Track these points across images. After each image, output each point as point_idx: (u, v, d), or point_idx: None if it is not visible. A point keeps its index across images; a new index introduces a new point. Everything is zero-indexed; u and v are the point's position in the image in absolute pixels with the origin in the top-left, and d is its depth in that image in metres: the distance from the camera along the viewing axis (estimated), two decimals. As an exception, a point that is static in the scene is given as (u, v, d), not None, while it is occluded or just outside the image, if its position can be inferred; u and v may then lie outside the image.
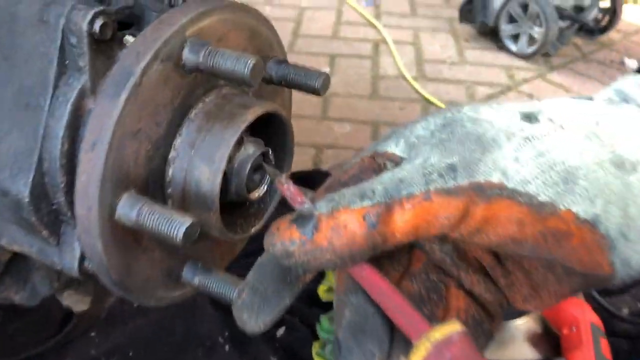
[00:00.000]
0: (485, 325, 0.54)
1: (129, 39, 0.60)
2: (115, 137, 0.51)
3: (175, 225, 0.52)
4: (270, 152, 0.64)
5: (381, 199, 0.45)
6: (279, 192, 0.68)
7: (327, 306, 1.45)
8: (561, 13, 3.05)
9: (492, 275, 0.53)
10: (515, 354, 1.16)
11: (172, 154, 0.58)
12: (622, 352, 1.19)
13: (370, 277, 0.47)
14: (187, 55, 0.55)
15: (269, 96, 0.72)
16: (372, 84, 2.79)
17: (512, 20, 3.18)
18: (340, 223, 0.44)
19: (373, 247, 0.45)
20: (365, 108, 2.57)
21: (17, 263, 0.72)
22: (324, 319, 1.33)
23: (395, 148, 0.51)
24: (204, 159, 0.58)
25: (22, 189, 0.59)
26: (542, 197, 0.45)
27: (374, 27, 3.35)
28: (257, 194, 0.65)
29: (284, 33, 3.20)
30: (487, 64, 3.08)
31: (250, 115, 0.59)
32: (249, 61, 0.54)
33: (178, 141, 0.58)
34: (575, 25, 3.21)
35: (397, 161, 0.50)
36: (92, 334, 1.33)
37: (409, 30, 3.38)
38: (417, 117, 0.55)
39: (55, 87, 0.58)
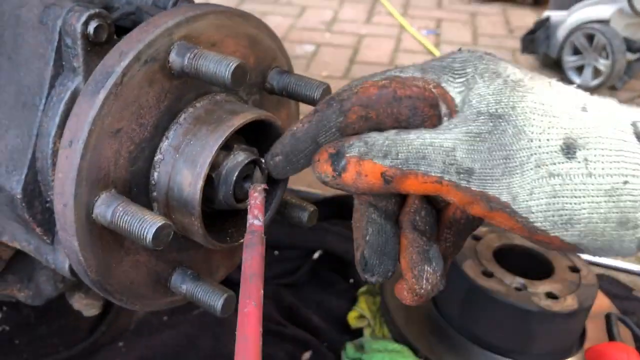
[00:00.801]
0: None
1: (124, 42, 0.61)
2: (92, 135, 0.52)
3: (146, 226, 0.51)
4: (262, 161, 0.63)
5: (401, 165, 0.52)
6: (274, 202, 0.67)
7: (355, 333, 1.42)
8: (629, 45, 2.93)
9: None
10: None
11: (157, 156, 0.58)
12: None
13: (250, 315, 0.49)
14: (174, 58, 0.56)
15: (273, 107, 0.71)
16: (426, 111, 2.76)
17: (576, 51, 3.09)
18: (363, 171, 0.53)
19: (386, 192, 0.55)
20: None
21: (21, 261, 0.73)
22: (349, 347, 1.31)
23: (452, 89, 0.54)
24: (187, 163, 0.57)
25: (15, 186, 0.61)
26: (538, 225, 0.50)
27: (433, 55, 3.33)
28: (246, 203, 0.64)
29: (341, 59, 3.22)
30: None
31: (237, 121, 0.58)
32: (231, 63, 0.53)
33: (164, 144, 0.58)
34: (645, 58, 3.08)
35: (451, 108, 0.53)
36: (120, 343, 1.34)
37: (468, 59, 3.35)
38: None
39: (51, 87, 0.59)
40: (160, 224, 0.51)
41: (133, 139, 0.56)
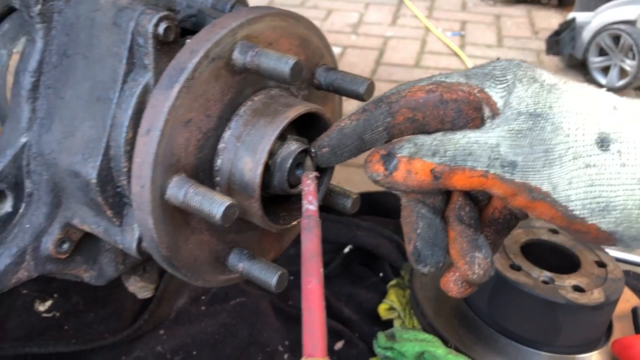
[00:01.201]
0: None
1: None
2: (167, 124, 0.58)
3: (216, 205, 0.57)
4: (312, 150, 0.68)
5: (449, 162, 0.57)
6: (321, 189, 0.73)
7: (386, 325, 1.47)
8: (656, 46, 2.94)
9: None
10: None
11: (220, 145, 0.64)
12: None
13: (313, 291, 0.54)
14: (237, 56, 0.62)
15: (319, 101, 0.77)
16: (451, 112, 2.80)
17: (602, 52, 3.10)
18: (413, 170, 0.58)
19: (435, 189, 0.60)
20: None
21: (88, 243, 0.80)
22: (380, 336, 1.35)
23: (494, 93, 0.59)
24: (248, 150, 0.63)
25: (91, 172, 0.67)
26: (577, 212, 0.54)
27: (458, 57, 3.36)
28: (299, 188, 0.69)
29: (367, 61, 3.27)
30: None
31: (292, 113, 0.64)
32: (290, 60, 0.59)
33: (227, 134, 0.64)
34: (672, 58, 3.08)
35: (494, 111, 0.58)
36: (161, 331, 1.41)
37: (493, 61, 3.37)
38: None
39: (124, 82, 0.66)
40: (228, 203, 0.57)
41: (201, 128, 0.62)
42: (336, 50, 3.36)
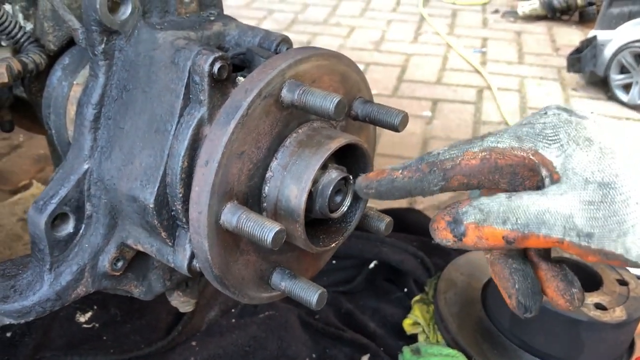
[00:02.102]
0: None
1: (240, 79, 0.74)
2: (224, 156, 0.64)
3: (266, 230, 0.63)
4: (350, 178, 0.74)
5: (522, 229, 0.59)
6: (357, 213, 0.78)
7: (410, 339, 1.51)
8: (678, 64, 2.96)
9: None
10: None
11: (268, 174, 0.70)
12: None
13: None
14: (285, 94, 0.68)
15: (355, 131, 0.83)
16: (473, 129, 2.83)
17: (623, 70, 3.13)
18: (483, 236, 0.61)
19: (508, 250, 0.65)
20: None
21: (139, 262, 0.86)
22: (406, 350, 1.40)
23: (549, 154, 0.62)
24: (293, 179, 0.69)
25: (149, 197, 0.73)
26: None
27: (479, 73, 3.41)
28: (338, 213, 0.75)
29: (389, 78, 3.32)
30: (595, 113, 3.04)
31: (334, 145, 0.70)
32: (334, 99, 0.65)
33: (274, 163, 0.70)
34: (693, 76, 3.10)
35: (550, 171, 0.62)
36: (193, 342, 1.47)
37: (514, 77, 3.40)
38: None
39: (180, 115, 0.72)
40: (277, 228, 0.63)
41: (252, 159, 0.68)
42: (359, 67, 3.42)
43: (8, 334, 1.36)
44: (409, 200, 2.20)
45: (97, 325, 1.48)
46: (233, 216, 0.65)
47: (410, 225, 1.86)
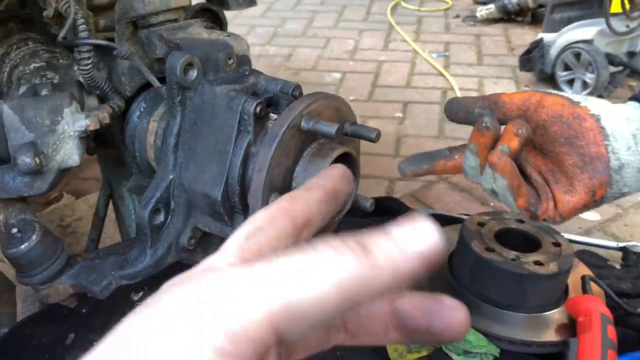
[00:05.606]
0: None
1: (272, 115, 1.14)
2: (270, 165, 1.04)
3: (298, 209, 1.04)
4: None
5: None
6: (352, 195, 1.19)
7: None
8: (612, 60, 3.40)
9: (545, 177, 1.00)
10: (547, 337, 1.45)
11: (294, 174, 1.11)
12: (630, 341, 1.46)
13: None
14: (303, 124, 1.08)
15: (347, 143, 1.23)
16: (439, 126, 3.23)
17: (566, 67, 3.57)
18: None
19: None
20: (432, 147, 2.95)
21: (205, 239, 1.26)
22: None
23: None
24: (310, 177, 1.09)
25: (217, 194, 1.13)
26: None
27: (443, 76, 3.83)
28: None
29: (364, 84, 3.69)
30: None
31: (335, 153, 1.10)
32: (335, 126, 1.06)
33: (298, 168, 1.11)
34: (627, 69, 3.55)
35: None
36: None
37: (474, 78, 3.81)
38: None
39: (235, 140, 1.12)
40: (305, 208, 1.04)
41: (285, 166, 1.08)
42: (337, 75, 3.81)
43: (83, 310, 1.74)
44: (387, 190, 2.62)
45: (148, 301, 1.84)
46: (277, 202, 1.06)
47: (389, 210, 2.27)
